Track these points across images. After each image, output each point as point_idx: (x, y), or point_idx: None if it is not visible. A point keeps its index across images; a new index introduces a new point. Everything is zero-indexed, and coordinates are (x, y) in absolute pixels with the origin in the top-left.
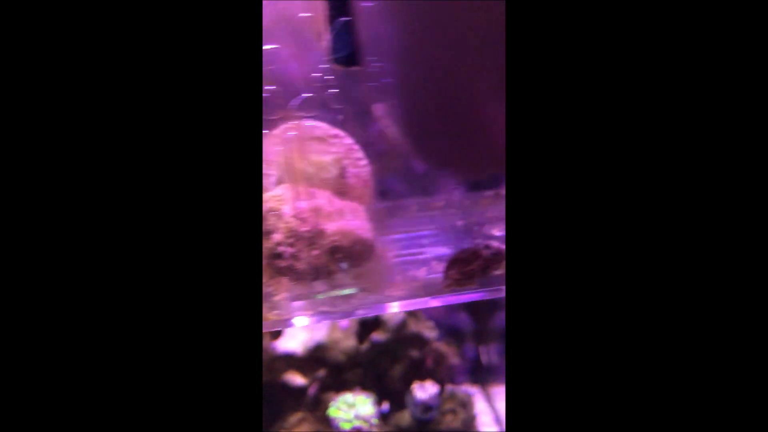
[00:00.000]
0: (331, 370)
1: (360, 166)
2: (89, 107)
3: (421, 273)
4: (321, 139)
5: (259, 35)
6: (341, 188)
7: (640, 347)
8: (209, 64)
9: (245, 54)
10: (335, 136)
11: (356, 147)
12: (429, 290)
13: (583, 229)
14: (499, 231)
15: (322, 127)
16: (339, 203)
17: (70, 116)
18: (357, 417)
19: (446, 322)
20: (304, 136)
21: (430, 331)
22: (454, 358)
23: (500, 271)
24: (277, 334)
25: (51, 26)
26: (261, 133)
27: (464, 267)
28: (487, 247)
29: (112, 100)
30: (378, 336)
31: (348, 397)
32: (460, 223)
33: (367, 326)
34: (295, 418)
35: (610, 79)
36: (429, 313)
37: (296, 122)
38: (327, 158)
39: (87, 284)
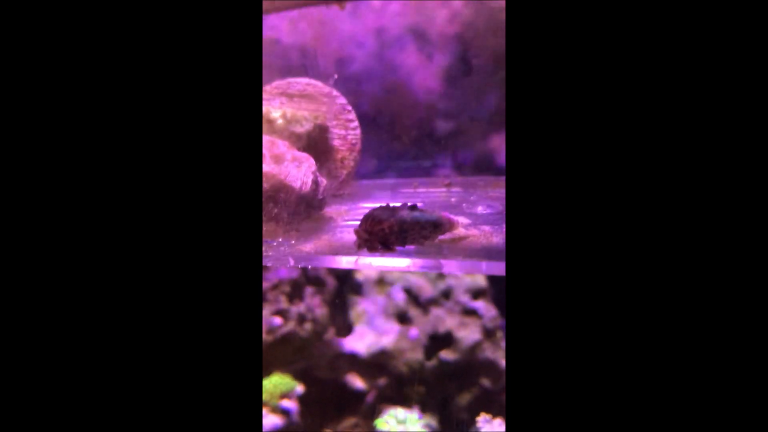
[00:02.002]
0: (393, 380)
1: (349, 128)
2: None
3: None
4: (311, 97)
5: (259, 34)
6: (317, 145)
7: (641, 353)
8: (211, 64)
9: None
10: (327, 95)
11: (349, 108)
12: (341, 251)
13: (581, 233)
14: (482, 209)
15: (316, 85)
16: (282, 150)
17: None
18: None
19: None
20: (290, 91)
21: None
22: None
23: (444, 238)
24: (345, 332)
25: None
26: (261, 133)
27: (374, 225)
28: (414, 208)
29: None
30: (447, 355)
31: (399, 412)
32: (453, 200)
33: (437, 341)
34: (348, 422)
35: (611, 82)
36: None
37: (287, 80)
38: (302, 113)
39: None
